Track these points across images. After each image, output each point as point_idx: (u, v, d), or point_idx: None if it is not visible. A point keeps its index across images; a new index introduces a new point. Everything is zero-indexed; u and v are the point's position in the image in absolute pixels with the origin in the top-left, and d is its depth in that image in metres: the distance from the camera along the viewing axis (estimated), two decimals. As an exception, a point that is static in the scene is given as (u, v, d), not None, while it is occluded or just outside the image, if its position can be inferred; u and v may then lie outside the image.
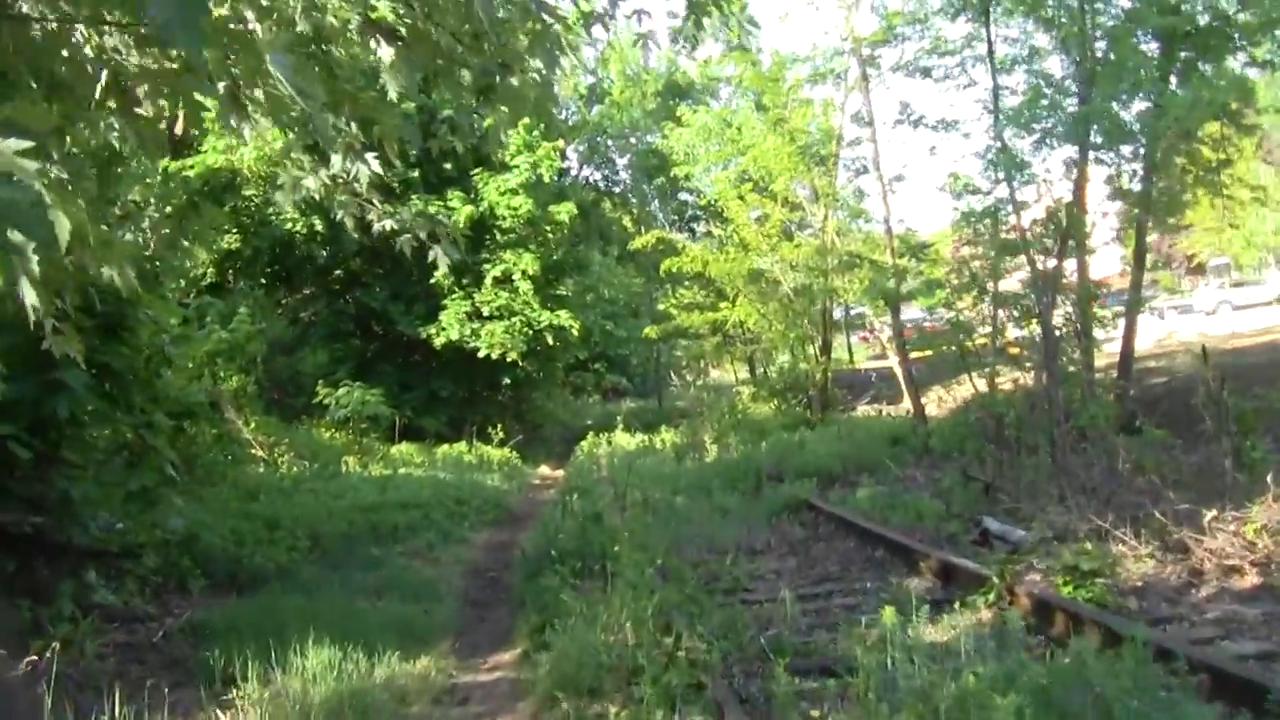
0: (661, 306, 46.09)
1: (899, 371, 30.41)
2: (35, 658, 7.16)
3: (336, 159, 6.95)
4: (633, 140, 49.23)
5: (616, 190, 51.28)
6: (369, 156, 6.81)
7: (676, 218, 49.99)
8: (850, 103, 28.81)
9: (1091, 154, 20.90)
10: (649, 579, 9.29)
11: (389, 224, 7.66)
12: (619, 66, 48.45)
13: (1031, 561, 10.46)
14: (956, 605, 8.97)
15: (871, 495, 15.75)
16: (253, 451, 20.45)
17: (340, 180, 7.20)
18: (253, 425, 21.32)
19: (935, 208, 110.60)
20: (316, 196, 7.22)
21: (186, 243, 13.62)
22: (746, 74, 32.45)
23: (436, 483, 20.67)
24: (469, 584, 13.29)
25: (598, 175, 51.07)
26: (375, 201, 7.58)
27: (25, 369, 8.93)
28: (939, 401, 29.49)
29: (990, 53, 22.78)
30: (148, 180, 15.54)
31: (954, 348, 23.49)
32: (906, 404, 29.77)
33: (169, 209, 26.89)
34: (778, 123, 29.64)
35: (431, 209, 30.94)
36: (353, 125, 6.66)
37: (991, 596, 8.84)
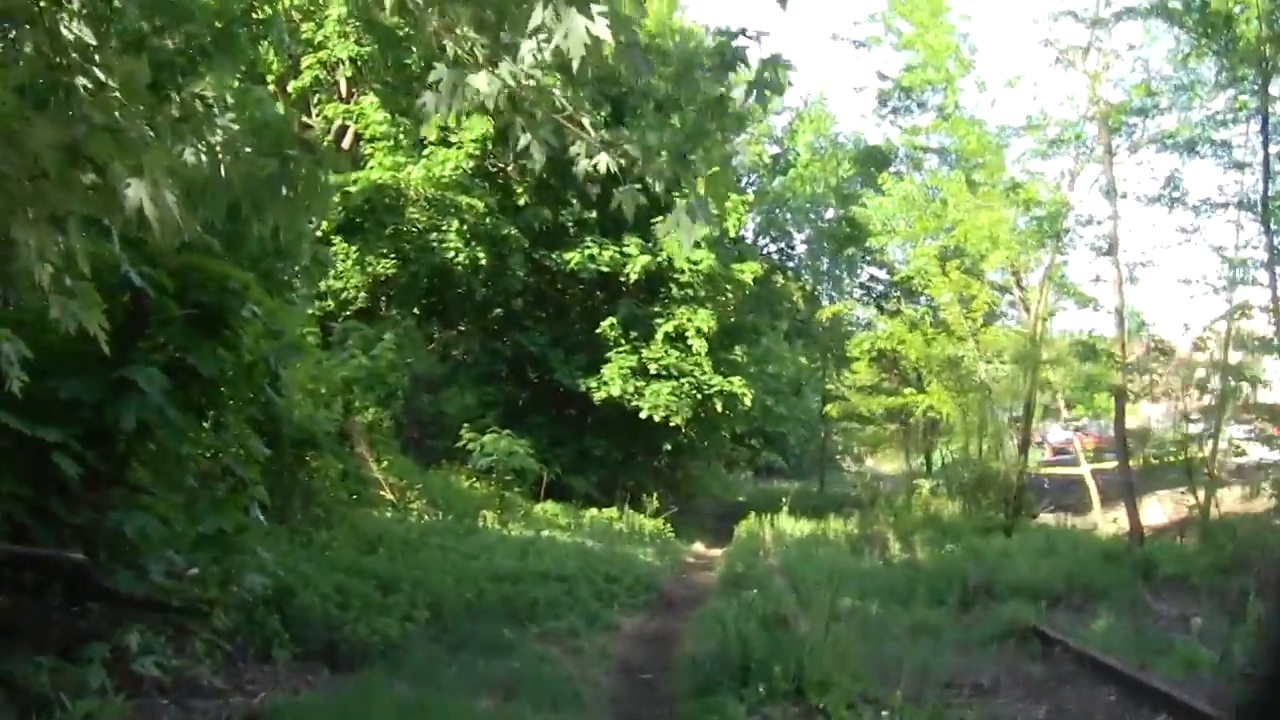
0: (831, 387, 44.46)
1: (1090, 479, 28.02)
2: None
3: (527, 47, 4.82)
4: (813, 216, 47.77)
5: (790, 265, 49.85)
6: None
7: (864, 293, 47.96)
8: (1083, 178, 26.46)
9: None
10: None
11: (599, 159, 5.37)
12: (805, 139, 47.12)
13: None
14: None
15: (1110, 628, 13.12)
16: (380, 494, 18.65)
17: (527, 85, 5.06)
18: (385, 464, 19.55)
19: (1174, 301, 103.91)
20: (488, 104, 5.00)
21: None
22: (968, 140, 30.17)
23: (583, 552, 18.54)
24: (618, 688, 10.97)
25: (773, 247, 49.49)
26: (581, 122, 5.41)
27: (86, 361, 7.00)
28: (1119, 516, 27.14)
29: (1265, 128, 20.30)
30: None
31: (1180, 457, 21.95)
32: (1093, 516, 28.14)
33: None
34: (1012, 189, 27.27)
35: (606, 254, 29.38)
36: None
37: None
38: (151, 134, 4.20)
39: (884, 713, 8.23)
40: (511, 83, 4.83)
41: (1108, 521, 27.86)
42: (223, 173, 4.69)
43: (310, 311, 19.98)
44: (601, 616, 14.26)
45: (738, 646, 9.97)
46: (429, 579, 12.53)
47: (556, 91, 4.99)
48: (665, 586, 18.65)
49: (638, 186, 5.47)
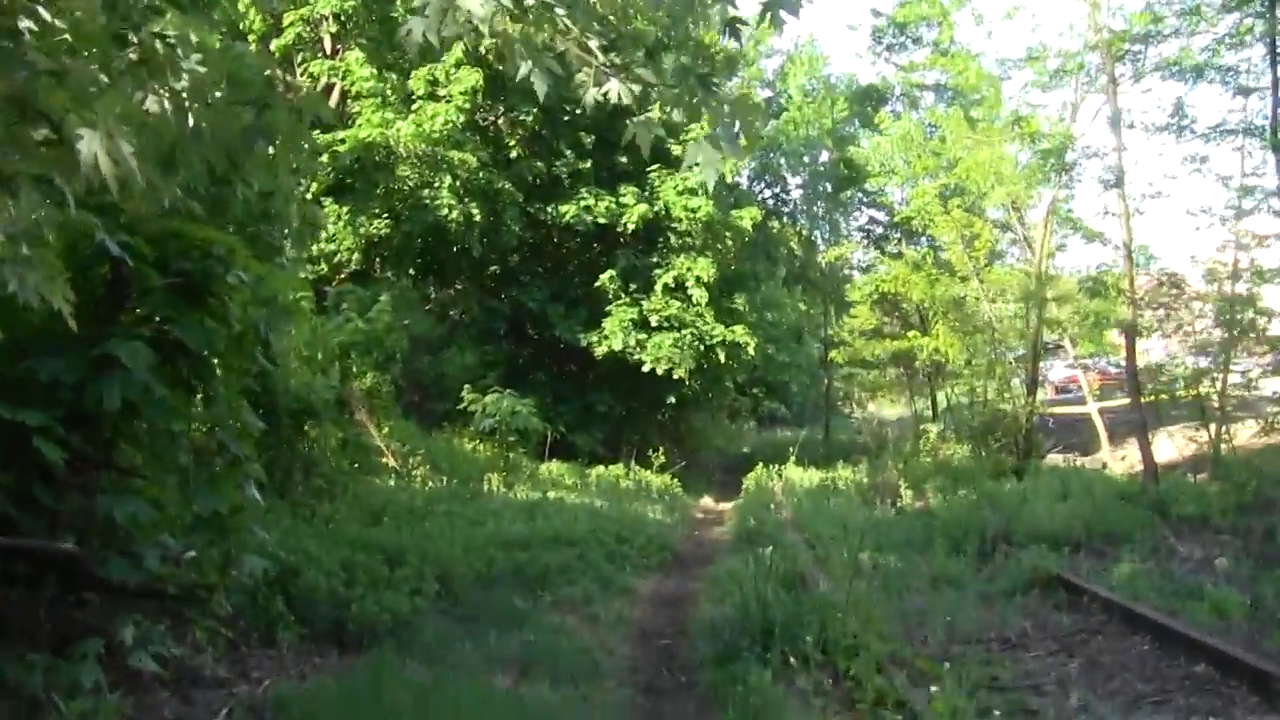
0: (832, 332, 44.15)
1: (1097, 417, 27.74)
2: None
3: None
4: (807, 160, 46.85)
5: (786, 210, 49.01)
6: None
7: (864, 236, 47.70)
8: (1085, 110, 25.99)
9: None
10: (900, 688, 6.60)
11: (609, 87, 4.90)
12: (797, 82, 46.56)
13: None
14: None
15: (1135, 573, 12.71)
16: (383, 461, 18.25)
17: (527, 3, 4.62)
18: (386, 430, 19.17)
19: (1183, 233, 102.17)
20: (482, 29, 4.51)
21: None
22: (965, 74, 29.56)
23: (593, 513, 18.20)
24: (637, 656, 10.56)
25: (768, 193, 48.65)
26: (588, 45, 4.97)
27: (66, 340, 6.59)
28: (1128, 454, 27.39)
29: (1273, 51, 19.83)
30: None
31: (1191, 392, 21.83)
32: (1101, 455, 28.13)
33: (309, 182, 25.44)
34: (1014, 122, 26.72)
35: (602, 205, 28.92)
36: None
37: None
38: (106, 80, 3.75)
39: (915, 676, 7.81)
40: (508, 1, 4.34)
41: (1116, 460, 27.60)
42: (191, 123, 4.23)
43: (303, 276, 19.43)
44: (615, 580, 13.87)
45: (758, 610, 9.59)
46: (436, 549, 12.13)
47: (560, 11, 4.51)
48: (677, 544, 18.32)
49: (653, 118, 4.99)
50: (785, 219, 48.46)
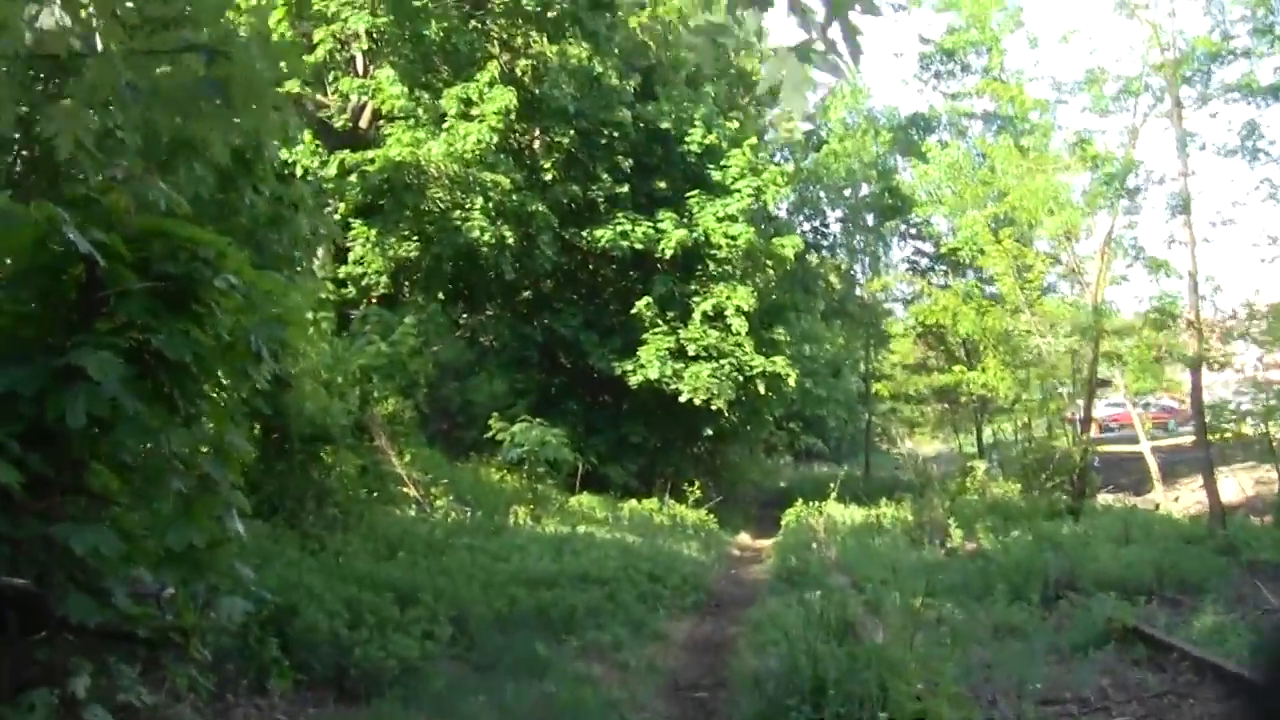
0: (872, 366, 43.64)
1: (1150, 456, 27.03)
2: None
3: None
4: (848, 194, 46.50)
5: (825, 244, 48.50)
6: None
7: (909, 267, 47.20)
8: (1146, 135, 25.15)
9: None
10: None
11: None
12: (839, 114, 45.82)
13: None
14: None
15: (1218, 626, 11.73)
16: (403, 490, 17.47)
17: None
18: (407, 459, 18.37)
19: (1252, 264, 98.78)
20: None
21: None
22: (1019, 99, 28.85)
23: (624, 549, 17.31)
24: (671, 713, 9.67)
25: (806, 226, 48.04)
26: None
27: (29, 347, 5.86)
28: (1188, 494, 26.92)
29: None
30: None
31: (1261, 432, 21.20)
32: (1154, 495, 27.65)
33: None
34: (1079, 144, 25.87)
35: (639, 230, 28.28)
36: None
37: None
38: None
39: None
40: None
41: (1169, 501, 26.78)
42: (125, 77, 3.45)
43: (325, 296, 18.70)
44: (647, 623, 12.95)
45: (807, 663, 8.69)
46: (454, 587, 11.35)
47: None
48: (713, 584, 17.45)
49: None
50: (824, 253, 47.89)
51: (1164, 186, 24.64)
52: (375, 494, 16.12)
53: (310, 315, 17.33)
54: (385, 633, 9.20)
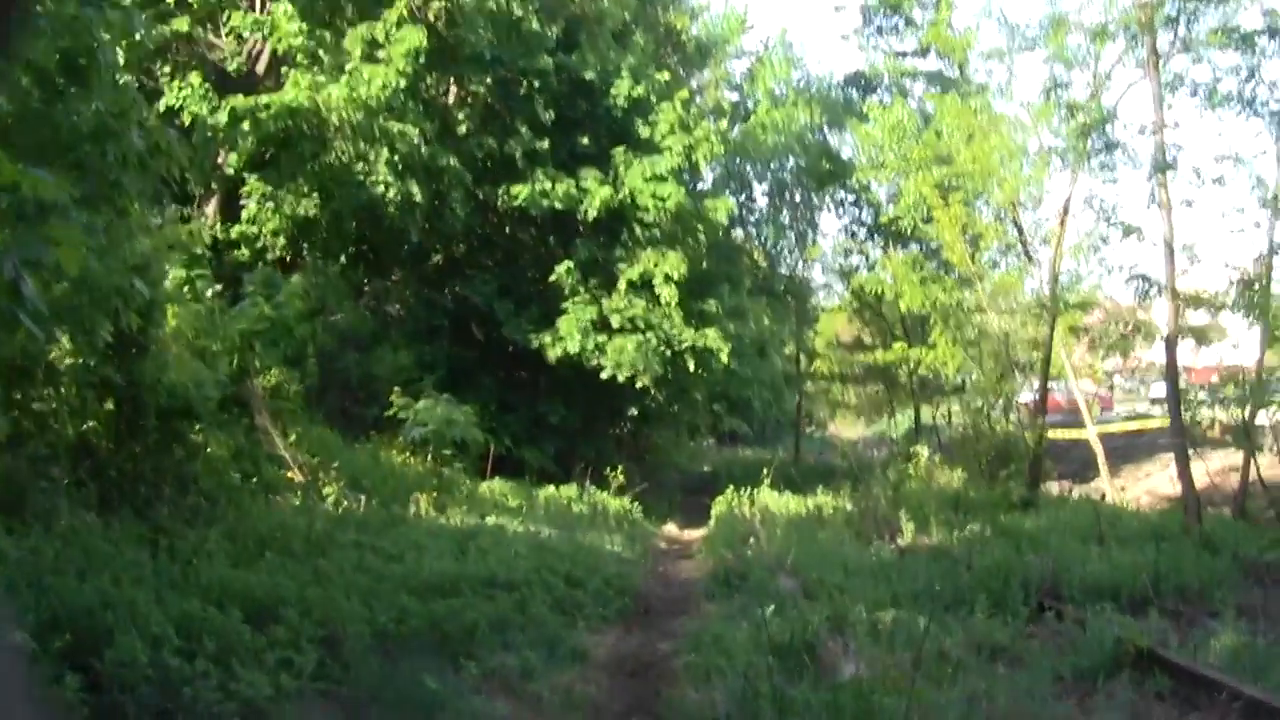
0: (790, 351, 42.70)
1: (1097, 444, 26.48)
2: None
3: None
4: (776, 166, 45.13)
5: (751, 219, 47.30)
6: None
7: (849, 238, 45.94)
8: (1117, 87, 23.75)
9: None
10: None
11: None
12: (766, 85, 44.48)
13: None
14: None
15: (1246, 649, 10.07)
16: (287, 475, 15.54)
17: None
18: (292, 438, 16.46)
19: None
20: None
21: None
22: (966, 45, 27.56)
23: (539, 546, 15.42)
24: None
25: (732, 201, 46.55)
26: None
27: None
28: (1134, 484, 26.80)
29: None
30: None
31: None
32: (1099, 484, 26.79)
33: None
34: (1052, 88, 24.38)
35: (560, 189, 26.63)
36: None
37: None
38: None
39: None
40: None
41: (1116, 490, 25.87)
42: None
43: (200, 250, 16.62)
44: (564, 639, 10.89)
45: (769, 705, 6.93)
46: (327, 598, 9.40)
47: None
48: (640, 586, 15.53)
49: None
50: (750, 228, 47.08)
51: (1145, 139, 23.01)
52: (253, 479, 14.34)
53: (184, 273, 15.52)
54: (229, 664, 7.32)
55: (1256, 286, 20.43)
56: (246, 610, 8.37)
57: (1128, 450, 31.22)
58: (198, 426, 13.02)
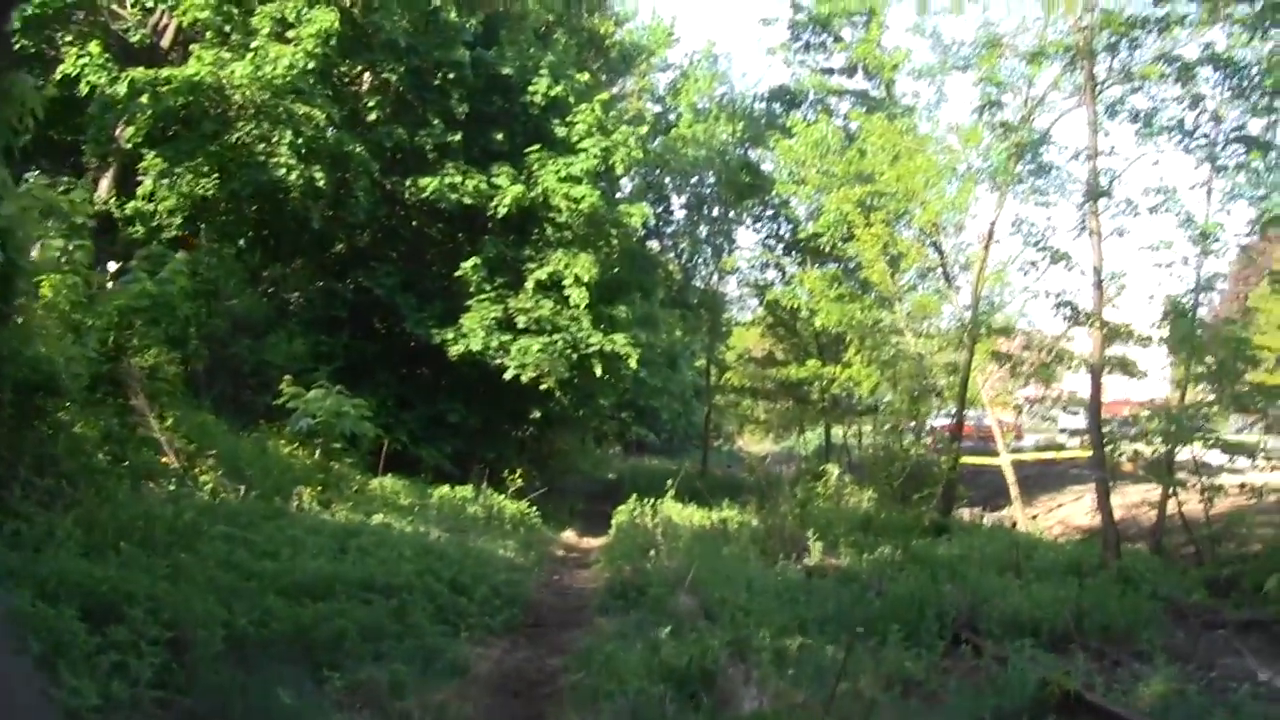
0: (701, 364, 42.55)
1: (1009, 471, 26.49)
2: None
3: None
4: (695, 180, 44.81)
5: (668, 230, 47.01)
6: None
7: (767, 250, 45.62)
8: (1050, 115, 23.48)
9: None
10: None
11: None
12: (690, 99, 43.97)
13: None
14: None
15: (1173, 695, 9.51)
16: (162, 461, 14.57)
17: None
18: (169, 422, 15.46)
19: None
20: None
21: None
22: (895, 63, 27.17)
23: (425, 548, 14.59)
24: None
25: (647, 208, 46.14)
26: None
27: None
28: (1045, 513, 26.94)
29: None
30: None
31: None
32: (1010, 512, 26.72)
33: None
34: (986, 107, 24.01)
35: (470, 184, 25.88)
36: None
37: None
38: None
39: None
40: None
41: (1027, 519, 25.62)
42: None
43: (81, 221, 15.61)
44: (443, 651, 9.99)
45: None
46: (183, 595, 8.52)
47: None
48: (532, 595, 14.80)
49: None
50: (666, 240, 46.81)
51: (1079, 164, 22.67)
52: (122, 463, 13.40)
53: (62, 243, 14.59)
54: (56, 669, 6.46)
55: (1182, 320, 20.16)
56: (85, 606, 7.51)
57: (1040, 479, 31.16)
58: (63, 404, 12.15)
